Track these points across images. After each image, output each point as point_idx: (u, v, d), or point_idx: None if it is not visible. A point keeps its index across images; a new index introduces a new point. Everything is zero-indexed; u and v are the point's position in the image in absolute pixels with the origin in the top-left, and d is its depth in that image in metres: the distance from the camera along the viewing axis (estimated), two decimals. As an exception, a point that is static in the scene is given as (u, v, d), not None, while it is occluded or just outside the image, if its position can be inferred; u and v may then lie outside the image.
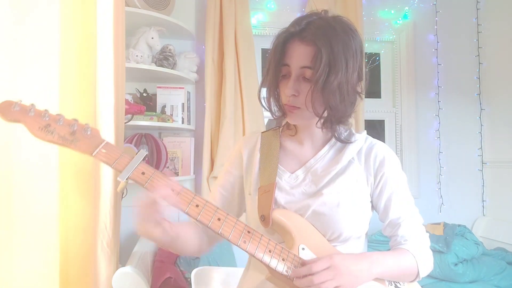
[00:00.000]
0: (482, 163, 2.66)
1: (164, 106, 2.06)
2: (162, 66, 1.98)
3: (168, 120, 1.99)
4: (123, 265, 1.38)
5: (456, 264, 1.97)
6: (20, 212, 1.13)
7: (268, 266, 0.79)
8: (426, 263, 0.88)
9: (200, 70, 2.22)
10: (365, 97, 2.38)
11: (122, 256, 1.66)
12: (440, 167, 2.60)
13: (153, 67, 1.94)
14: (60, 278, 1.23)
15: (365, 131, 0.99)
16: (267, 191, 0.88)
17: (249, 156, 0.97)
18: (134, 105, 1.89)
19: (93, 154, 0.74)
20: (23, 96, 1.13)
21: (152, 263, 1.71)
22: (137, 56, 1.88)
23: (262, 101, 0.93)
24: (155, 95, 2.08)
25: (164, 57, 2.00)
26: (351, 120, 0.92)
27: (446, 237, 2.03)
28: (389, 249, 0.91)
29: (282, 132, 1.00)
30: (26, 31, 1.14)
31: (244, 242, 0.78)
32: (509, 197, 2.49)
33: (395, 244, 0.90)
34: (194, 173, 2.18)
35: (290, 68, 0.84)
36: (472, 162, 2.66)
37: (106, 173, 1.31)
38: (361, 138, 0.95)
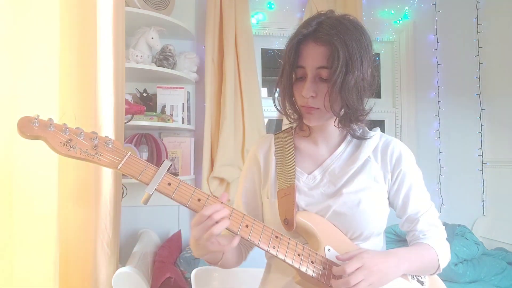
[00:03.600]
0: (482, 163, 2.66)
1: (164, 106, 2.06)
2: (162, 66, 1.98)
3: (168, 120, 1.99)
4: (123, 265, 1.38)
5: (456, 264, 1.97)
6: (20, 212, 1.13)
7: (298, 270, 0.79)
8: (445, 256, 0.91)
9: (200, 70, 2.22)
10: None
11: (122, 256, 1.66)
12: (440, 167, 2.60)
13: (153, 67, 1.93)
14: (60, 278, 1.23)
15: (378, 128, 0.99)
16: (287, 194, 0.87)
17: (265, 159, 0.96)
18: (134, 105, 1.89)
19: (119, 168, 0.73)
20: (23, 96, 1.13)
21: (152, 263, 1.71)
22: (137, 56, 1.88)
23: (277, 105, 0.92)
24: (155, 95, 2.08)
25: (164, 57, 2.00)
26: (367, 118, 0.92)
27: (446, 237, 2.03)
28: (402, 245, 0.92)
29: (295, 133, 0.99)
30: (26, 31, 1.14)
31: (273, 247, 0.77)
32: (509, 197, 2.49)
33: (414, 238, 0.92)
34: (194, 173, 2.18)
35: (306, 70, 0.83)
36: (472, 162, 2.66)
37: (106, 173, 1.31)
38: (376, 136, 0.95)
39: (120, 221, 1.47)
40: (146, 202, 0.73)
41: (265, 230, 0.78)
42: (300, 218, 0.84)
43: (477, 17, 2.68)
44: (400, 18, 2.59)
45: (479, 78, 2.67)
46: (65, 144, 0.70)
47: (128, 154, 0.74)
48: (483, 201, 2.64)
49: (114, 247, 1.34)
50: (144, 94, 2.07)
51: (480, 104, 2.66)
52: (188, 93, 2.18)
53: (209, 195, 0.77)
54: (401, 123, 2.62)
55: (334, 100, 0.81)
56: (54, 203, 1.20)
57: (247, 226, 0.77)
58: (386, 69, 2.71)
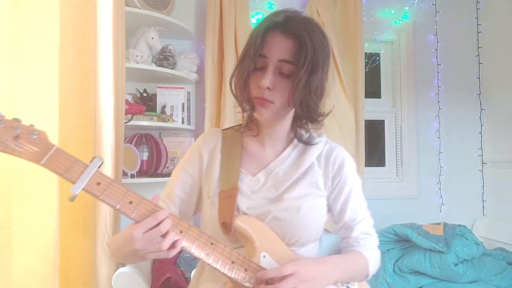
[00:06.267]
0: (482, 163, 2.66)
1: (164, 106, 2.06)
2: (162, 66, 1.98)
3: (168, 120, 1.99)
4: (123, 265, 1.38)
5: (456, 264, 1.97)
6: (20, 211, 1.13)
7: (230, 278, 0.77)
8: (375, 264, 0.93)
9: (200, 70, 2.22)
10: (365, 97, 2.37)
11: (122, 256, 1.66)
12: (440, 167, 2.60)
13: (153, 67, 1.94)
14: (60, 278, 1.23)
15: (325, 134, 0.98)
16: (229, 196, 0.84)
17: (210, 156, 0.93)
18: (134, 105, 1.89)
19: (41, 163, 0.65)
20: (23, 96, 1.13)
21: (152, 263, 1.71)
22: (137, 56, 1.88)
23: (233, 90, 0.88)
24: (155, 95, 2.08)
25: (164, 57, 2.00)
26: (323, 121, 0.90)
27: (446, 237, 2.03)
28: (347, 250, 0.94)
29: (243, 132, 0.97)
30: (26, 31, 1.14)
31: (207, 255, 0.75)
32: (509, 197, 2.49)
33: (348, 245, 0.94)
34: (194, 173, 2.18)
35: (267, 60, 0.80)
36: (472, 162, 2.66)
37: (107, 172, 1.30)
38: (322, 142, 0.94)
39: (120, 222, 1.47)
40: (72, 200, 0.67)
41: (200, 237, 0.75)
42: (239, 222, 0.81)
43: (477, 17, 2.68)
44: (400, 18, 2.59)
45: (479, 78, 2.67)
46: None
47: (54, 148, 0.66)
48: (483, 201, 2.64)
49: (114, 247, 1.34)
50: (144, 94, 2.07)
51: (480, 104, 2.66)
52: (188, 93, 2.18)
53: (142, 198, 0.71)
54: (401, 123, 2.61)
55: (295, 97, 0.79)
56: (54, 203, 1.20)
57: (181, 232, 0.72)
58: (386, 69, 2.71)
